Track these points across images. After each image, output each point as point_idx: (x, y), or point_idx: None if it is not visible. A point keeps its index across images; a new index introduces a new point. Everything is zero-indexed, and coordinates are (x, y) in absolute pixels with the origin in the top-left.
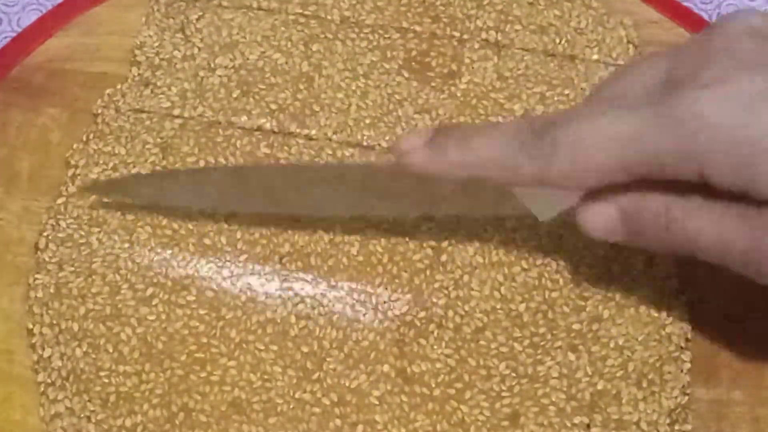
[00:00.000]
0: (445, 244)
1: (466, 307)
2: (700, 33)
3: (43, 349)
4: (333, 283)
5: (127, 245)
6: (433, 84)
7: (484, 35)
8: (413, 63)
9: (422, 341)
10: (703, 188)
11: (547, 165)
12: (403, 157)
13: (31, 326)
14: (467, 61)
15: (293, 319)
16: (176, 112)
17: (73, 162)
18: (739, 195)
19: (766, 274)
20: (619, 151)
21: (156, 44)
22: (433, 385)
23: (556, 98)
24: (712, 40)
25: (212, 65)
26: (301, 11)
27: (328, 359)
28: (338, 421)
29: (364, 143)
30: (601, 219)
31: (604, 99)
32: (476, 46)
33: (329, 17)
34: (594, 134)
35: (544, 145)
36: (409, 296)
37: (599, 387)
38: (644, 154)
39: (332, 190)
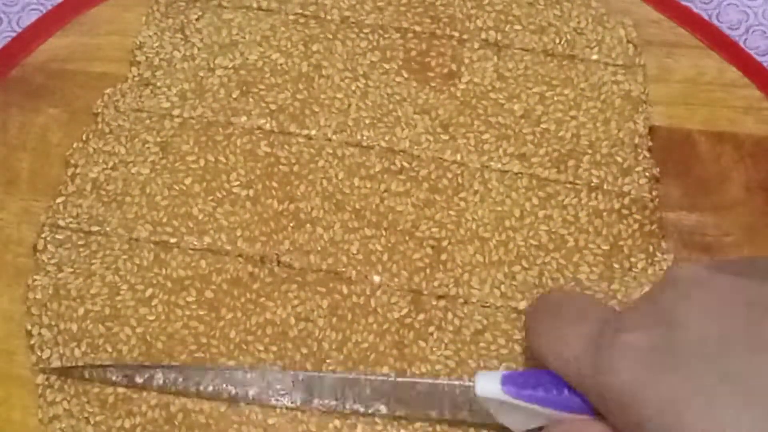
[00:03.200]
0: (445, 243)
1: (465, 309)
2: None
3: (42, 350)
4: (332, 284)
5: (126, 246)
6: (433, 84)
7: (484, 35)
8: (413, 63)
9: (422, 343)
10: None
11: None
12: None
13: (29, 327)
14: (467, 61)
15: (293, 321)
16: (176, 112)
17: (73, 161)
18: None
19: None
20: None
21: (156, 44)
22: None
23: (556, 98)
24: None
25: (212, 65)
26: (301, 11)
27: (327, 360)
28: (338, 422)
29: (364, 143)
30: None
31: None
32: (476, 46)
33: (329, 17)
34: None
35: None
36: (409, 297)
37: None
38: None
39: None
